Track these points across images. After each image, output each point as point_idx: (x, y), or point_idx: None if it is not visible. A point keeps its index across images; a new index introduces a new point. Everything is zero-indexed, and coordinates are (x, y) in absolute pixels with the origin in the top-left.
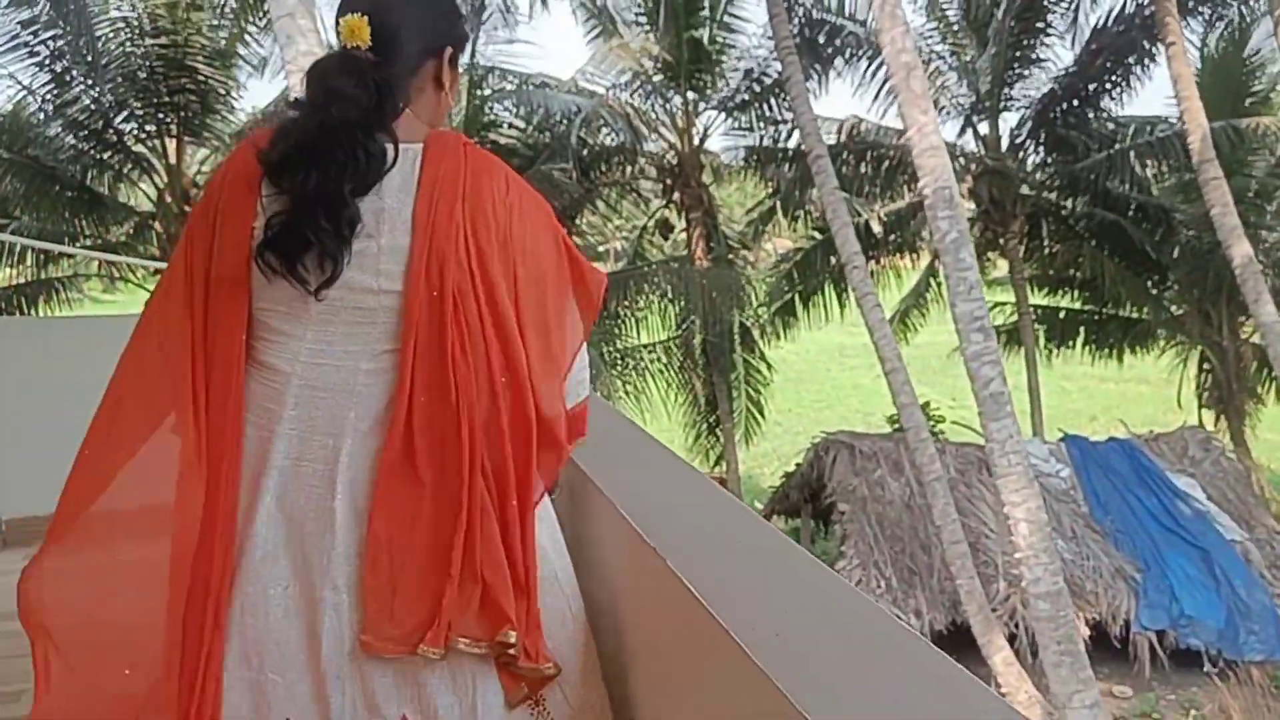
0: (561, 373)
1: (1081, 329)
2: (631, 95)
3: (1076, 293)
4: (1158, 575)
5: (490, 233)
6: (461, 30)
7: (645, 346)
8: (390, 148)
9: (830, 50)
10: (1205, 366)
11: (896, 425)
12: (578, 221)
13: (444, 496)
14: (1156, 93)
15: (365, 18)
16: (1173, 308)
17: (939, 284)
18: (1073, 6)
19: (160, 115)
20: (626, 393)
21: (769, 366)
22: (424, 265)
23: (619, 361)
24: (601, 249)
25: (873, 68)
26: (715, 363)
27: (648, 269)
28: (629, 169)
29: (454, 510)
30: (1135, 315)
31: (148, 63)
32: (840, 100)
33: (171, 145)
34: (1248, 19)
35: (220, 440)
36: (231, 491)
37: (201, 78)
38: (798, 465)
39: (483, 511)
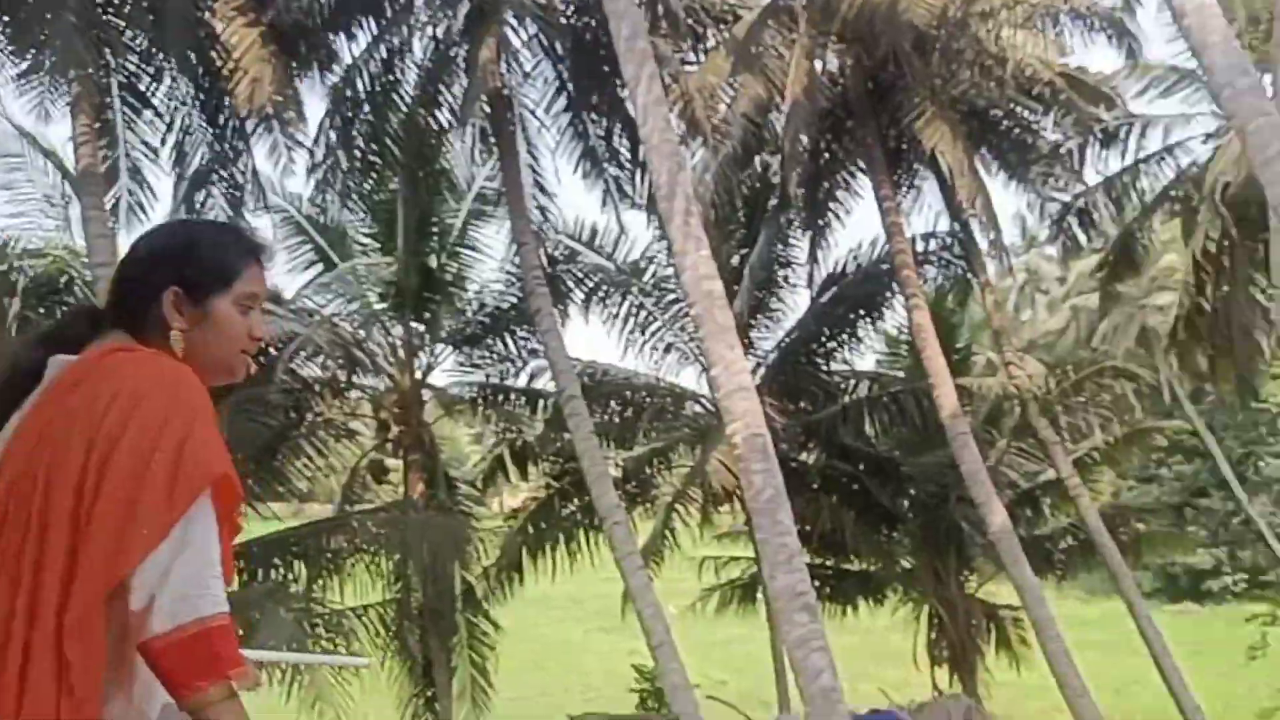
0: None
1: (817, 583)
2: (349, 321)
3: (814, 546)
4: None
5: (70, 434)
6: (194, 271)
7: (354, 609)
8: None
9: (575, 286)
10: (934, 621)
11: (643, 695)
12: (280, 460)
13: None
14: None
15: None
16: (904, 561)
17: (674, 537)
18: (809, 259)
19: None
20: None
21: (495, 627)
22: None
23: (323, 624)
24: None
25: (625, 306)
26: (434, 625)
27: (357, 518)
28: (340, 403)
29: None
30: (869, 569)
31: None
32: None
33: None
34: (969, 278)
35: None
36: None
37: None
38: None
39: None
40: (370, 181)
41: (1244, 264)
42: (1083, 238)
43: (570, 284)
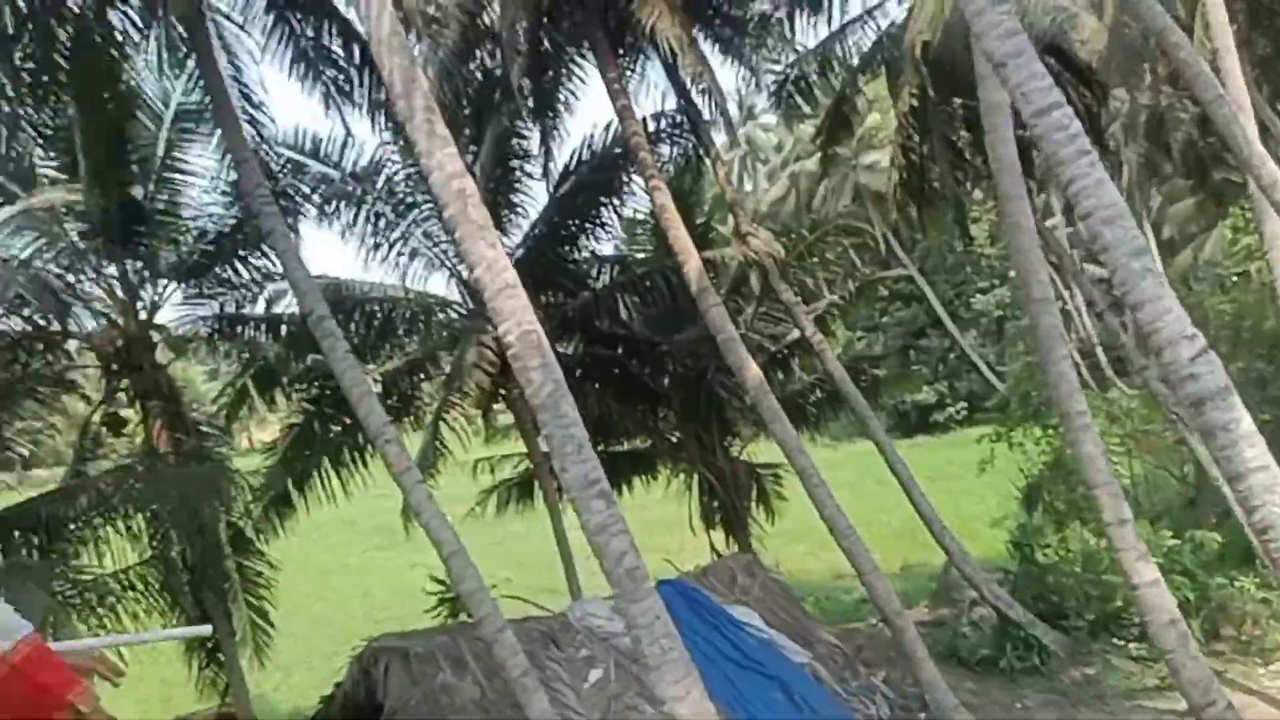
0: None
1: None
2: (52, 264)
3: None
4: (744, 717)
5: None
6: None
7: (114, 574)
8: None
9: (304, 201)
10: (705, 487)
11: (440, 604)
12: None
13: None
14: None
15: None
16: (670, 435)
17: (443, 445)
18: (542, 151)
19: None
20: (100, 633)
21: (270, 566)
22: None
23: (79, 599)
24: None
25: (361, 216)
26: (204, 575)
27: (101, 479)
28: (57, 356)
29: None
30: (638, 448)
31: None
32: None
33: None
34: (702, 155)
35: None
36: None
37: None
38: (338, 685)
39: None
40: (47, 108)
41: (942, 119)
42: (803, 104)
43: (299, 199)
